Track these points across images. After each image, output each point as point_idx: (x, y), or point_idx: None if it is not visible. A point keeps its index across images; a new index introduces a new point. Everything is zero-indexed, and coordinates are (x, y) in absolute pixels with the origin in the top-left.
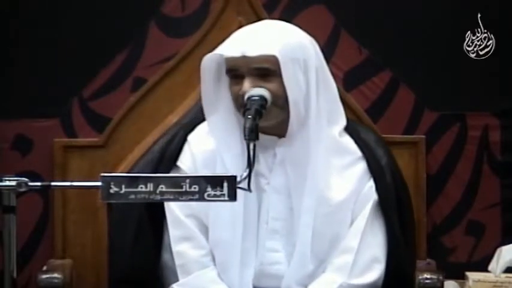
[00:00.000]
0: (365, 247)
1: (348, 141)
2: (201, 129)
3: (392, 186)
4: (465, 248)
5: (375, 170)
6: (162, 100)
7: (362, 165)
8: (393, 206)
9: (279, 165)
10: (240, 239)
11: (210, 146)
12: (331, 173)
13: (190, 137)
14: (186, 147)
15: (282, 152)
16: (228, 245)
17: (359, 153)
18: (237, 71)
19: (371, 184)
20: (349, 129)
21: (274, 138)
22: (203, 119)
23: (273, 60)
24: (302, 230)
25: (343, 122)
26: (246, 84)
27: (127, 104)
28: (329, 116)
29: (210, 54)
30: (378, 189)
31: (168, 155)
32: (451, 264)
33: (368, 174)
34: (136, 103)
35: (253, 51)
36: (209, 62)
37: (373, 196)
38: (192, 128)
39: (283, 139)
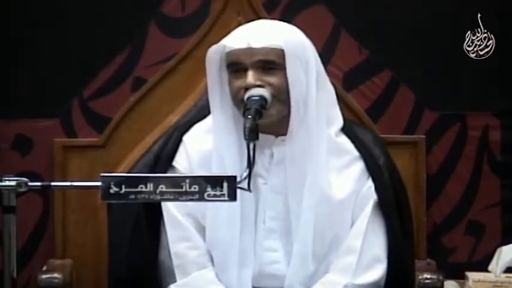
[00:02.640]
0: (367, 247)
1: (345, 141)
2: (196, 129)
3: (390, 185)
4: (465, 248)
5: (372, 169)
6: (162, 100)
7: (360, 165)
8: (392, 205)
9: (276, 164)
10: (238, 239)
11: (205, 146)
12: (331, 173)
13: (185, 137)
14: (181, 148)
15: (281, 152)
16: (226, 245)
17: (356, 153)
18: (239, 64)
19: (370, 184)
20: (346, 130)
21: (271, 137)
22: (199, 120)
23: (279, 53)
24: (302, 230)
25: (340, 123)
26: (250, 77)
27: (127, 104)
28: (327, 117)
29: (215, 45)
30: (376, 189)
31: (164, 155)
32: (451, 264)
33: (366, 174)
34: (136, 103)
35: (259, 43)
36: (214, 54)
37: (373, 196)
38: (187, 129)
39: (280, 138)
